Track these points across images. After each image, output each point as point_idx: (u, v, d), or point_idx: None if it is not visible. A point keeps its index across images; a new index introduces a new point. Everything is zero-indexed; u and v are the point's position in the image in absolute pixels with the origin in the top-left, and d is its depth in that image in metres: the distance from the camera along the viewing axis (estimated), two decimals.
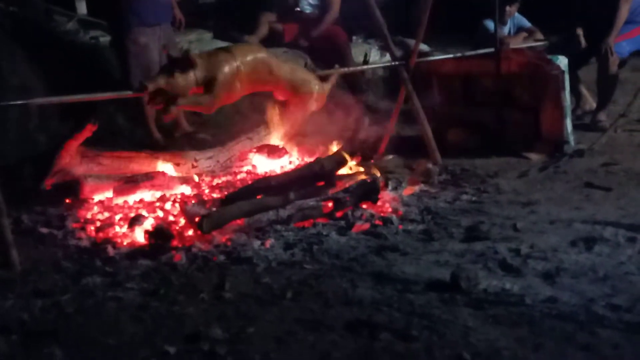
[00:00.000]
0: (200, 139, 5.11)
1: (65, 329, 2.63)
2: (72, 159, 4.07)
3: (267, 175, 4.42)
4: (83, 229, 3.69)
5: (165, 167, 4.38)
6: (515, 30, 6.37)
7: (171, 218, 3.78)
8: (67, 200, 4.02)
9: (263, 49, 4.37)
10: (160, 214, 3.83)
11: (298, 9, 6.46)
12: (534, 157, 4.84)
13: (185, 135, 5.22)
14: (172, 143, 4.98)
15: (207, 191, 4.25)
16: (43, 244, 3.57)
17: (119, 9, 4.88)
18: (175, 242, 3.44)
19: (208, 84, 3.93)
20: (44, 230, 3.71)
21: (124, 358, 2.43)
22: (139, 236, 3.54)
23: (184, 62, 3.84)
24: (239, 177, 4.52)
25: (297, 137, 4.92)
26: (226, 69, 3.96)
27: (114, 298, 2.87)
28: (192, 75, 3.85)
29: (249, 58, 4.10)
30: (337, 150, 4.33)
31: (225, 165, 4.61)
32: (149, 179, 4.13)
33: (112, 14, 5.06)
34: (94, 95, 4.05)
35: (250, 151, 4.73)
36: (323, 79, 4.61)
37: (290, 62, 4.68)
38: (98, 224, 3.75)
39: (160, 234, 3.45)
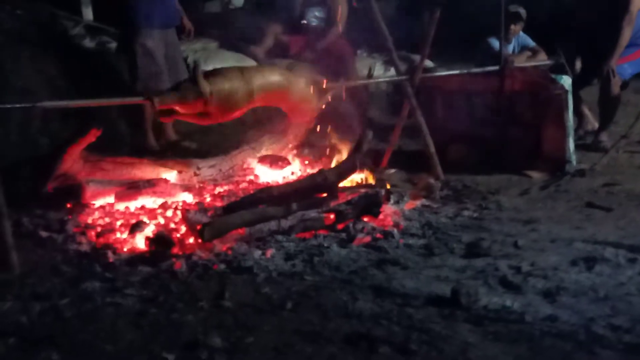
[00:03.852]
0: (185, 148, 5.10)
1: (63, 334, 2.62)
2: (74, 164, 4.07)
3: (270, 185, 4.42)
4: (83, 233, 3.69)
5: (167, 174, 4.38)
6: (519, 49, 6.40)
7: (172, 225, 3.77)
8: (68, 205, 4.01)
9: (276, 70, 4.27)
10: (162, 220, 3.83)
11: (304, 21, 6.49)
12: (536, 175, 4.84)
13: (169, 144, 5.22)
14: (160, 150, 5.00)
15: (208, 199, 4.25)
16: (43, 248, 3.56)
17: (128, 11, 4.90)
18: (175, 250, 3.44)
19: (215, 105, 3.89)
20: (44, 233, 3.70)
21: None
22: (140, 242, 3.54)
23: (193, 82, 3.78)
24: (241, 186, 4.52)
25: (301, 148, 4.92)
26: (236, 95, 3.87)
27: (113, 304, 2.86)
28: (201, 97, 3.79)
29: (261, 82, 3.97)
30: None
31: (228, 174, 4.61)
32: (151, 185, 4.13)
33: (121, 17, 5.08)
34: (100, 100, 4.05)
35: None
36: (322, 92, 4.56)
37: (298, 77, 4.58)
38: (99, 229, 3.74)
39: (161, 241, 3.45)
